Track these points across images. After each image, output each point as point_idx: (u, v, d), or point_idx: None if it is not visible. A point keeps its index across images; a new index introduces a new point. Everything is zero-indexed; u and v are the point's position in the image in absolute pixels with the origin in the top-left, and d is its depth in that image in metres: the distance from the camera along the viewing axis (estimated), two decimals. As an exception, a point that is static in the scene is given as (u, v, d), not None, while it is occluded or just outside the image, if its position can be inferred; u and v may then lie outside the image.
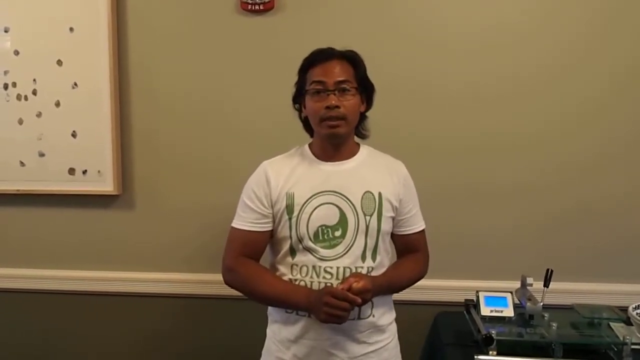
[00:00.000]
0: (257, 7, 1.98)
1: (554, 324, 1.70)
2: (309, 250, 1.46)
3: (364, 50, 1.95)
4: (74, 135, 2.11)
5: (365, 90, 1.52)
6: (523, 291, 1.81)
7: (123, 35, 2.06)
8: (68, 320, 2.23)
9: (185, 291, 2.13)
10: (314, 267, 1.45)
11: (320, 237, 1.45)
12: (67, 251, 2.19)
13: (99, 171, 2.11)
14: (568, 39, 1.94)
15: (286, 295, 1.44)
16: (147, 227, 2.14)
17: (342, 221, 1.46)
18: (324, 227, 1.45)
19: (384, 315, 1.54)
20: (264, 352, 1.59)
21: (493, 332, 1.61)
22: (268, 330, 1.58)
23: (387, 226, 1.51)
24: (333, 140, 1.49)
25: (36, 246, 2.20)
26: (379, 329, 1.52)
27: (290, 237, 1.47)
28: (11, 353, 2.25)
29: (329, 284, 1.42)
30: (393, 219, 1.54)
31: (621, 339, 1.63)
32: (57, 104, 2.10)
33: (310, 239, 1.45)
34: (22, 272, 2.21)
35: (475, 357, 1.61)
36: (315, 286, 1.44)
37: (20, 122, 2.13)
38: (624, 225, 1.98)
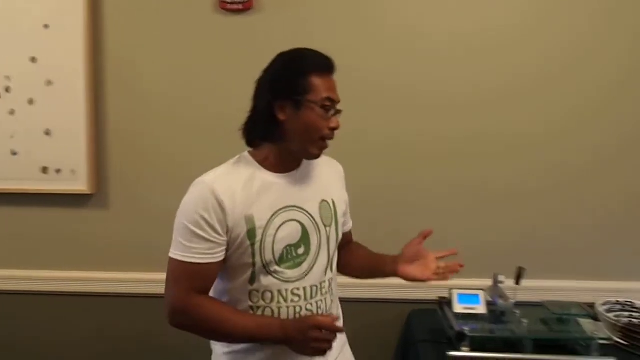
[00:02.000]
0: (236, 6, 1.99)
1: (524, 321, 1.74)
2: (274, 273, 1.31)
3: (345, 50, 1.95)
4: (47, 133, 2.08)
5: None
6: (495, 289, 1.84)
7: (99, 32, 2.05)
8: (38, 322, 2.19)
9: (160, 291, 2.10)
10: (279, 291, 1.31)
11: (285, 258, 1.31)
12: (40, 251, 2.16)
13: (72, 170, 2.09)
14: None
15: (257, 332, 1.28)
16: (122, 227, 2.13)
17: (304, 237, 1.34)
18: (288, 247, 1.32)
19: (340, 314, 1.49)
20: None
21: (466, 328, 1.65)
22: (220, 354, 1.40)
23: (341, 233, 1.44)
24: (308, 159, 1.37)
25: (7, 246, 2.17)
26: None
27: (254, 264, 1.29)
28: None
29: (297, 307, 1.32)
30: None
31: (589, 334, 1.68)
32: (31, 102, 2.07)
33: (276, 263, 1.30)
34: (-7, 273, 2.17)
35: (448, 353, 1.64)
36: (284, 311, 1.31)
37: (-8, 119, 2.09)
38: (593, 226, 2.03)
